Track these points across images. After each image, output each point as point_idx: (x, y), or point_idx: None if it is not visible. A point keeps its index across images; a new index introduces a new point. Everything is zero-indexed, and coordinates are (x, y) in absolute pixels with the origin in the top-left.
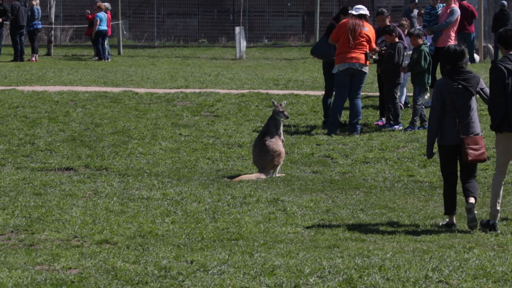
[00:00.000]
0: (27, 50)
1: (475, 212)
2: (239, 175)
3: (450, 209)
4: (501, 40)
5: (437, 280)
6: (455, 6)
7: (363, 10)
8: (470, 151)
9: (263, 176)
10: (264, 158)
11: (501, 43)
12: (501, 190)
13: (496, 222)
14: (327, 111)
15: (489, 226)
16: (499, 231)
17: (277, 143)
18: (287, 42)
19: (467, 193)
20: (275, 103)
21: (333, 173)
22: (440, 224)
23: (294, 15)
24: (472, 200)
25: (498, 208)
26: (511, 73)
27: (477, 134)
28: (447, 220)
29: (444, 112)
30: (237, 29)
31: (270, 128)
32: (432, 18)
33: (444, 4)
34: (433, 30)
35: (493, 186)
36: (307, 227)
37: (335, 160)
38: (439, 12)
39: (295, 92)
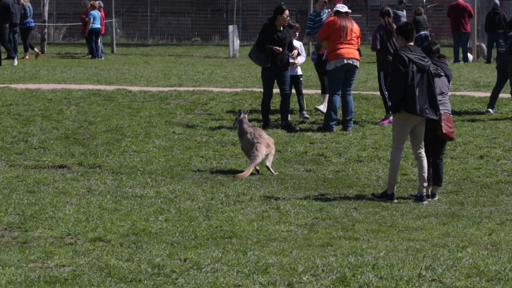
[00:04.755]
0: (20, 48)
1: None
2: (237, 172)
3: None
4: (402, 32)
5: (430, 278)
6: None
7: (346, 7)
8: (445, 126)
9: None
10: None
11: (402, 35)
12: (399, 165)
13: (394, 192)
14: (264, 114)
15: (387, 196)
16: (396, 201)
17: (249, 143)
18: None
19: (435, 180)
20: (241, 111)
21: (327, 172)
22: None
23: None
24: (436, 192)
25: (397, 180)
26: (412, 61)
27: (450, 114)
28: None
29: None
30: (230, 27)
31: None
32: (316, 25)
33: (330, 10)
34: (315, 38)
35: (392, 162)
36: (301, 226)
37: (329, 159)
38: (324, 19)
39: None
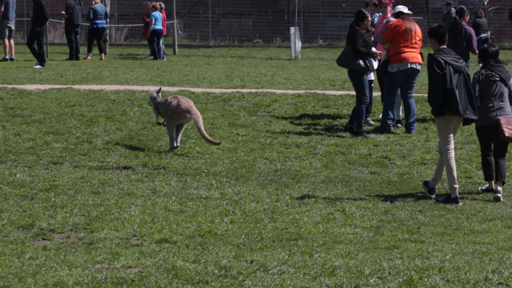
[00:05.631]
0: (83, 49)
1: (501, 197)
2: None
3: (489, 176)
4: (434, 35)
5: (497, 282)
6: (392, 16)
7: (406, 8)
8: (506, 129)
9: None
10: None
11: (435, 38)
12: (455, 165)
13: (457, 195)
14: (362, 119)
15: (451, 200)
16: (460, 204)
17: (183, 107)
18: (342, 43)
19: (497, 176)
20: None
21: (391, 174)
22: (480, 189)
23: (348, 15)
24: (500, 188)
25: (457, 183)
26: (448, 63)
27: (510, 117)
28: (487, 185)
29: (481, 98)
30: (292, 29)
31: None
32: None
33: (381, 14)
34: (378, 39)
35: (447, 164)
36: (366, 228)
37: (393, 161)
38: (375, 22)
39: (352, 93)
